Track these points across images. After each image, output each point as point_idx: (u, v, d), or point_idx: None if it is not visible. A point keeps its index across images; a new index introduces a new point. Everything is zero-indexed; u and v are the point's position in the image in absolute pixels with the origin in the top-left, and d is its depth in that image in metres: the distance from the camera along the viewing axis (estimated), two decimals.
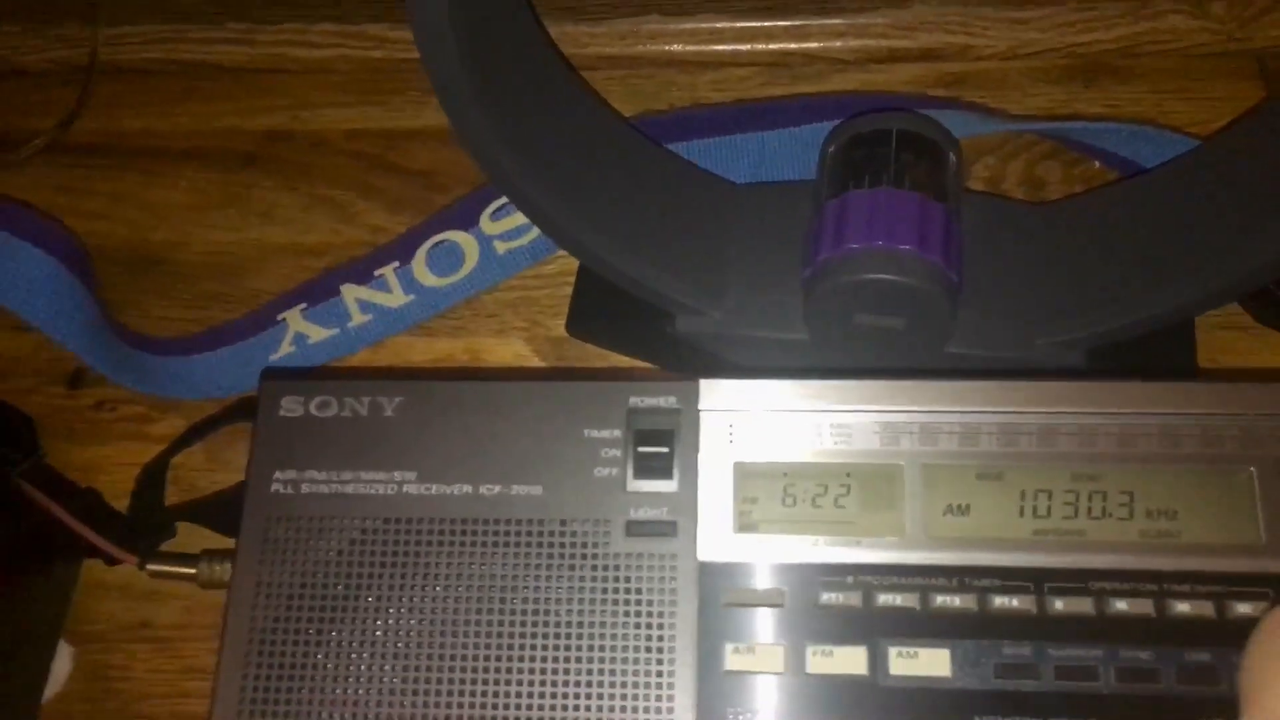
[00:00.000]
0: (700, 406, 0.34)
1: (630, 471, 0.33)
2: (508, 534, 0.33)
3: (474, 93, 0.35)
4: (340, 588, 0.33)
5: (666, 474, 0.33)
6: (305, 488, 0.34)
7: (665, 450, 0.33)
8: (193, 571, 0.37)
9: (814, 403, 0.34)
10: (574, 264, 0.47)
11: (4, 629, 0.36)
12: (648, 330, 0.43)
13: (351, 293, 0.46)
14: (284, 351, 0.45)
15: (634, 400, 0.34)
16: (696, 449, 0.34)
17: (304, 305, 0.46)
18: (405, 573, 0.33)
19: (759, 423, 0.34)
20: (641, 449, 0.33)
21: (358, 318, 0.46)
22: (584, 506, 0.33)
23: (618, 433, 0.34)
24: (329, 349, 0.46)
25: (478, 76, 0.34)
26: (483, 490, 0.33)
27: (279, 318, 0.46)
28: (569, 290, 0.46)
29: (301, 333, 0.46)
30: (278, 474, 0.34)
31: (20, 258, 0.41)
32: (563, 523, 0.33)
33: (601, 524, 0.33)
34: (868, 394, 0.34)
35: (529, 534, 0.33)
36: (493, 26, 0.36)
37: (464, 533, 0.33)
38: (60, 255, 0.41)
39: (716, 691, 0.31)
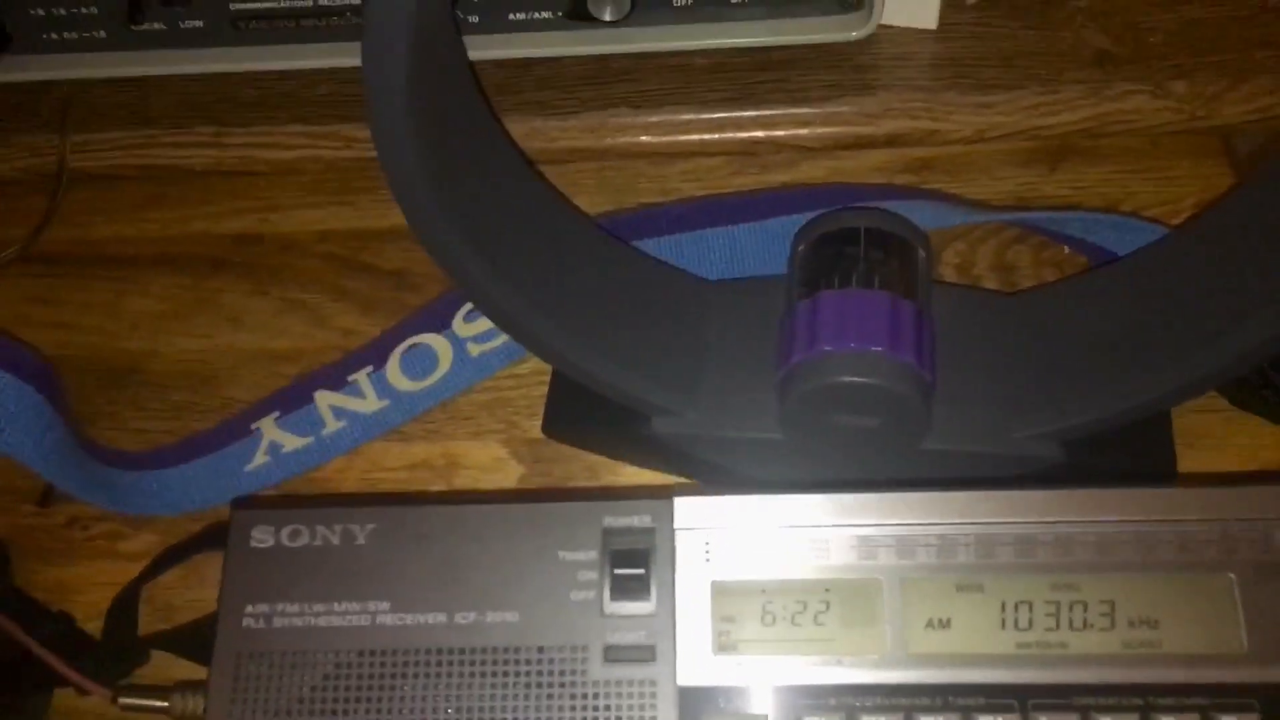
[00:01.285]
0: (675, 525, 0.34)
1: (607, 593, 0.33)
2: (484, 663, 0.32)
3: (434, 196, 0.35)
4: None
5: (643, 594, 0.33)
6: (277, 621, 0.33)
7: (641, 571, 0.33)
8: (165, 704, 0.36)
9: (790, 518, 0.33)
10: (548, 365, 0.47)
11: None
12: (624, 430, 0.43)
13: (325, 399, 0.46)
14: (258, 461, 0.45)
15: (608, 520, 0.34)
16: (673, 568, 0.33)
17: (277, 413, 0.46)
18: (380, 707, 0.32)
19: (735, 539, 0.33)
20: (618, 570, 0.33)
21: (332, 424, 0.46)
22: (561, 632, 0.33)
23: (593, 554, 0.33)
24: (304, 457, 0.45)
25: (437, 180, 0.34)
26: (458, 618, 0.33)
27: (253, 427, 0.46)
28: (544, 389, 0.46)
29: (276, 441, 0.45)
30: (249, 608, 0.33)
31: None
32: (540, 650, 0.32)
33: (579, 650, 0.32)
34: (843, 508, 0.33)
35: (505, 662, 0.32)
36: (451, 130, 0.36)
37: (439, 663, 0.33)
38: (25, 375, 0.41)
39: None
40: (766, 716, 0.31)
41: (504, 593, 0.33)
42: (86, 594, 0.43)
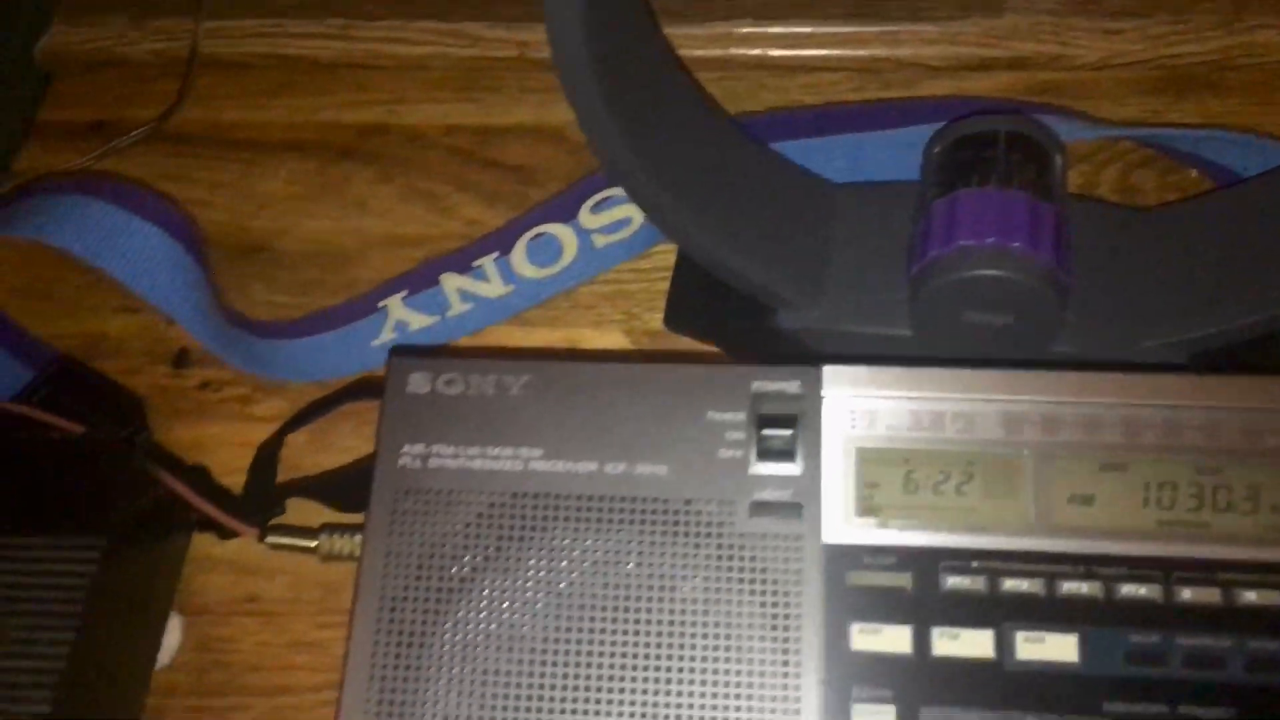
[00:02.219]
0: (823, 392, 0.34)
1: (753, 454, 0.34)
2: (632, 511, 0.33)
3: (601, 90, 0.35)
4: (467, 560, 0.33)
5: (789, 457, 0.34)
6: (433, 462, 0.34)
7: (789, 434, 0.34)
8: (314, 544, 0.38)
9: (937, 390, 0.34)
10: (669, 259, 0.47)
11: (123, 601, 0.37)
12: (746, 325, 0.44)
13: (451, 282, 0.47)
14: (385, 338, 0.46)
15: (757, 385, 0.34)
16: (819, 434, 0.34)
17: (405, 293, 0.47)
18: (531, 546, 0.33)
19: (881, 408, 0.34)
20: (766, 432, 0.34)
21: (457, 306, 0.47)
22: (709, 487, 0.33)
23: (741, 416, 0.34)
24: (429, 337, 0.46)
25: (605, 75, 0.35)
26: (608, 468, 0.34)
27: (380, 305, 0.47)
28: (664, 285, 0.47)
29: (402, 320, 0.46)
30: (406, 448, 0.34)
31: (139, 235, 0.41)
32: (687, 502, 0.33)
33: (726, 504, 0.33)
34: (990, 383, 0.34)
35: (653, 512, 0.33)
36: (618, 27, 0.37)
37: (589, 509, 0.33)
38: (177, 234, 0.42)
39: (842, 671, 0.31)
40: (909, 576, 0.32)
41: (653, 447, 0.34)
42: (218, 452, 0.44)
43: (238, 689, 0.40)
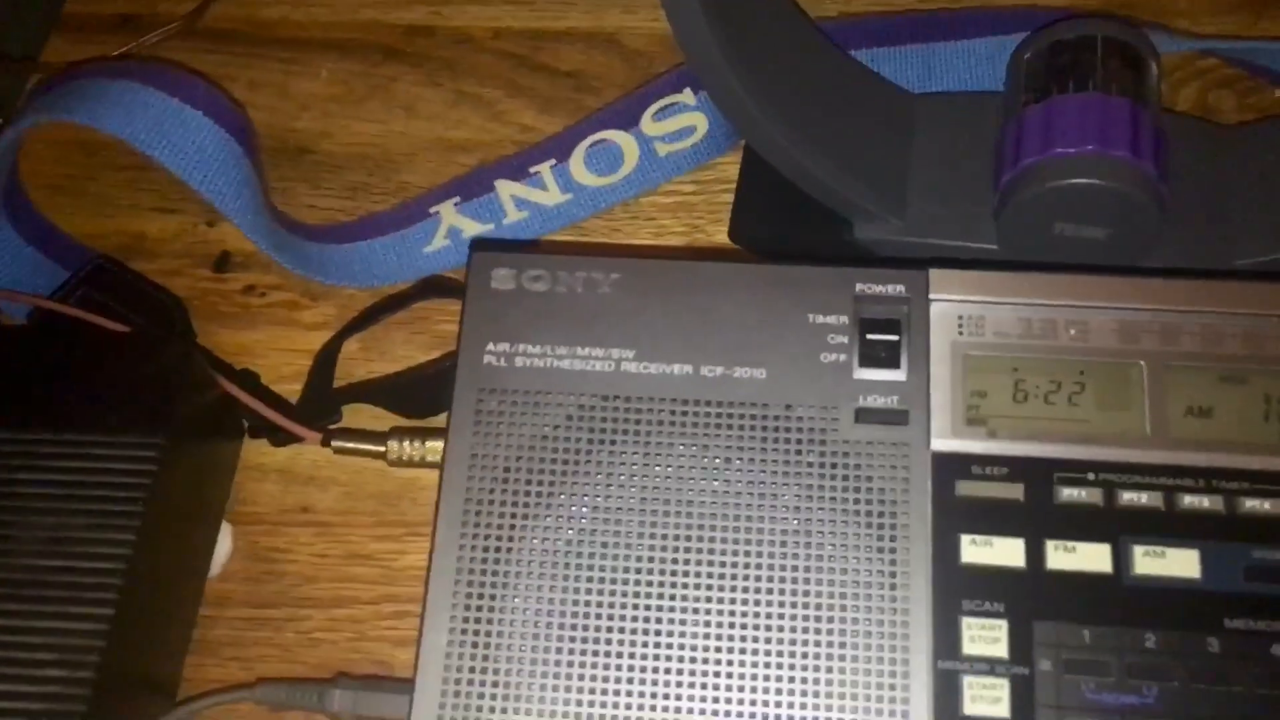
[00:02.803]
0: (930, 295, 0.33)
1: (856, 360, 0.32)
2: (730, 416, 0.32)
3: None
4: (555, 463, 0.32)
5: (894, 363, 0.32)
6: (519, 361, 0.33)
7: (894, 339, 0.32)
8: (382, 449, 0.36)
9: (1049, 296, 0.33)
10: (732, 171, 0.46)
11: (180, 504, 0.35)
12: (817, 237, 0.42)
13: (506, 189, 0.45)
14: (438, 244, 0.44)
15: (860, 286, 0.33)
16: (926, 339, 0.33)
17: (457, 199, 0.45)
18: (623, 452, 0.32)
19: (990, 315, 0.33)
20: (870, 336, 0.32)
21: (513, 214, 0.45)
22: (810, 392, 0.32)
23: (844, 319, 0.33)
24: None
25: None
26: (704, 371, 0.32)
27: (432, 211, 0.45)
28: (727, 198, 0.45)
29: (455, 226, 0.44)
30: (490, 345, 0.33)
31: (192, 126, 0.39)
32: (788, 407, 0.32)
33: (829, 410, 0.32)
34: (1106, 290, 0.33)
35: (752, 417, 0.32)
36: None
37: (684, 414, 0.32)
38: (230, 127, 0.40)
39: (952, 584, 0.30)
40: (1021, 488, 0.31)
41: (751, 350, 0.32)
42: (265, 358, 0.42)
43: (293, 600, 0.38)
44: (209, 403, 0.37)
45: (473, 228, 0.45)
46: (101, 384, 0.35)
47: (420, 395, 0.37)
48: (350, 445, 0.36)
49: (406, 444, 0.36)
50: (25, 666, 0.30)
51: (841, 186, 0.40)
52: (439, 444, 0.35)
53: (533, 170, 0.45)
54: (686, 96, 0.45)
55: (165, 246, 0.45)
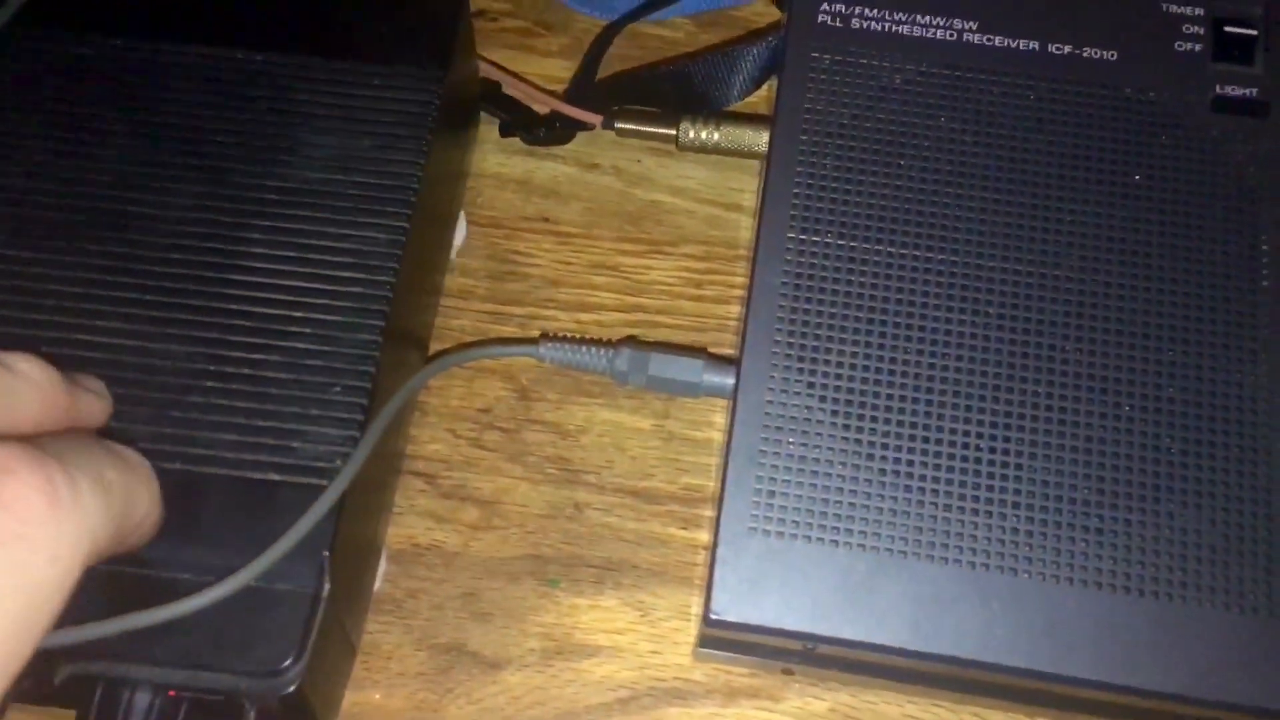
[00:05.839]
0: None
1: (1210, 51, 0.31)
2: (1078, 97, 0.30)
3: None
4: (887, 134, 0.30)
5: (1248, 59, 0.30)
6: (855, 23, 0.31)
7: (1252, 33, 0.30)
8: (671, 132, 0.34)
9: None
10: None
11: (441, 158, 0.33)
12: None
13: None
14: None
15: None
16: None
17: None
18: (961, 125, 0.30)
19: None
20: (1227, 29, 0.30)
21: None
22: (1164, 79, 0.30)
23: (1199, 10, 0.31)
24: None
25: None
26: (1051, 48, 0.30)
27: None
28: None
29: None
30: (825, 4, 0.31)
31: None
32: (1140, 90, 0.30)
33: (1184, 98, 0.30)
34: None
35: (1102, 100, 0.30)
36: None
37: (1028, 91, 0.30)
38: None
39: None
40: None
41: (1102, 31, 0.31)
42: None
43: (537, 301, 0.36)
44: (467, 79, 0.35)
45: None
46: (378, 15, 0.32)
47: (715, 76, 0.35)
48: (634, 127, 0.34)
49: (700, 126, 0.33)
50: (326, 268, 0.28)
51: None
52: (737, 129, 0.33)
53: None
54: None
55: None
